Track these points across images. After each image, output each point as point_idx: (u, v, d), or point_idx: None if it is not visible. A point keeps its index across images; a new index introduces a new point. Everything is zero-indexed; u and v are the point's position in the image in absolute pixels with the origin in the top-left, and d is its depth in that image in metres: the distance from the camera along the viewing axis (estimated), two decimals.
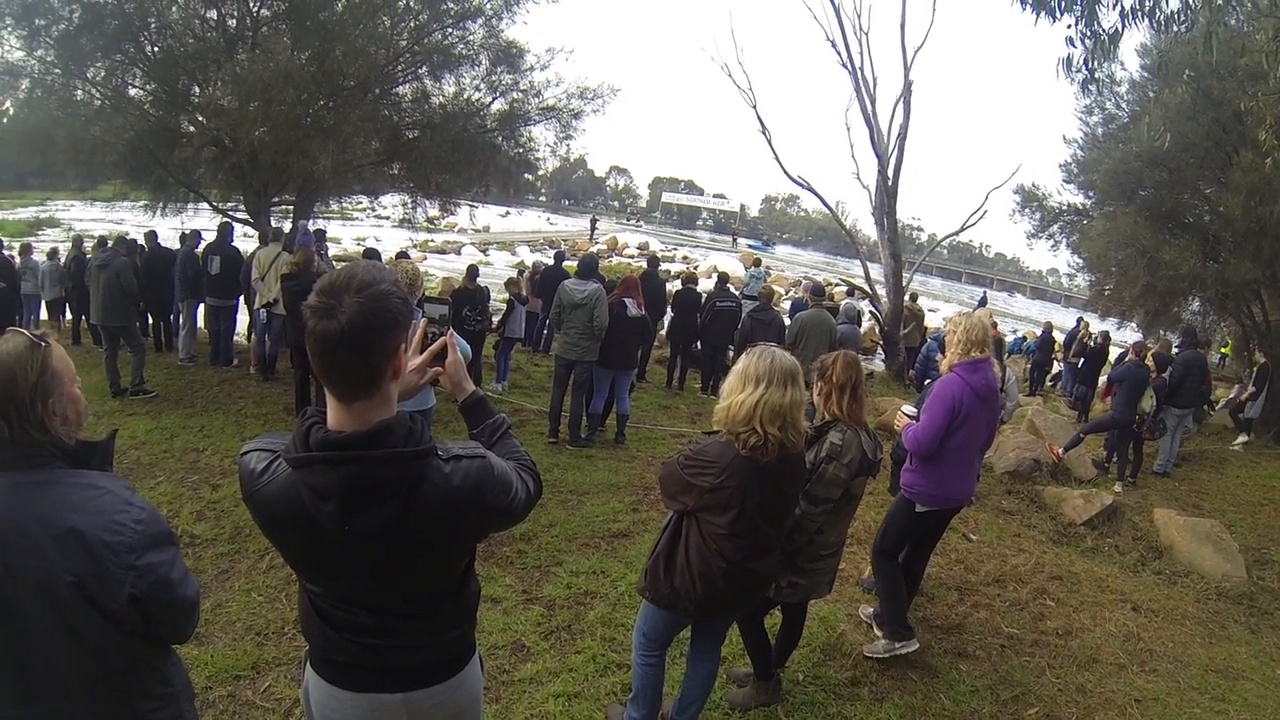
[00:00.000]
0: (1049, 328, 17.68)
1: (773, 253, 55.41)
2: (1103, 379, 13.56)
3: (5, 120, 11.48)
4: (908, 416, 4.33)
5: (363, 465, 1.49)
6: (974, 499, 7.23)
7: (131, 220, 16.89)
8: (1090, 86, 6.19)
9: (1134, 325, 16.96)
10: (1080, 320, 16.69)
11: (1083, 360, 14.12)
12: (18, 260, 12.25)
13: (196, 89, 10.72)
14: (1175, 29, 5.55)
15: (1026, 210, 16.16)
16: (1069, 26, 5.45)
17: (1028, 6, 5.58)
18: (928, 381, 6.92)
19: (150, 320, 11.02)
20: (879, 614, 4.47)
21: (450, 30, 11.41)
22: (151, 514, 1.74)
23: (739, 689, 3.79)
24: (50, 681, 1.69)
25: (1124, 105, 14.73)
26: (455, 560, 1.75)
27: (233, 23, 10.74)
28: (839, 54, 12.70)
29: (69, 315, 12.05)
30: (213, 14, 10.70)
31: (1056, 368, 17.38)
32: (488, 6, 11.46)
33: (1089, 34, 5.43)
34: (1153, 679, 4.56)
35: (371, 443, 1.50)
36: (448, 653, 1.79)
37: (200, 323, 10.56)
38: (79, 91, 10.56)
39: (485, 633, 4.09)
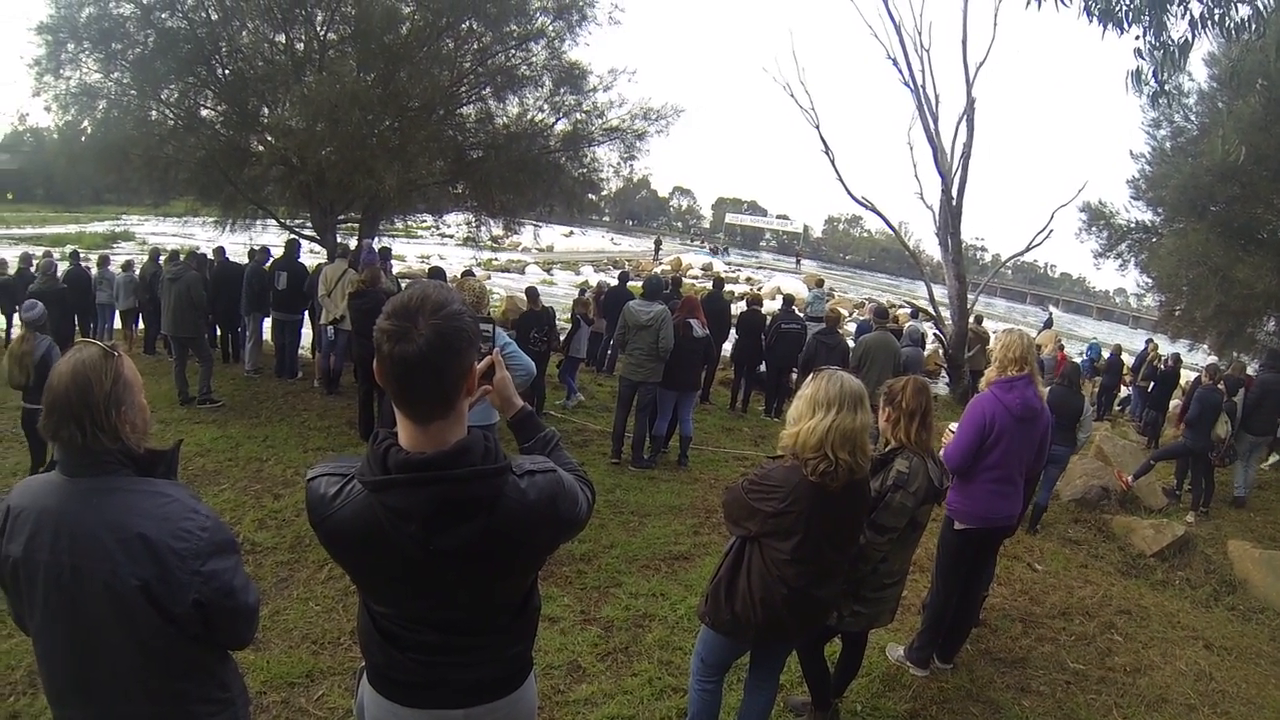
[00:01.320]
0: (1117, 350, 17.16)
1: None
2: (1174, 403, 13.10)
3: (84, 139, 11.94)
4: (952, 433, 4.25)
5: (446, 485, 1.50)
6: (1038, 529, 7.08)
7: (201, 235, 17.48)
8: (1160, 100, 6.03)
9: (1206, 347, 16.37)
10: (1149, 342, 16.14)
11: (1152, 384, 13.65)
12: (94, 271, 12.76)
13: (265, 110, 11.06)
14: (1245, 37, 5.37)
15: (1093, 228, 15.74)
16: (1137, 38, 5.31)
17: (1094, 18, 5.44)
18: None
19: (219, 332, 11.39)
20: (909, 650, 4.40)
21: (513, 52, 11.56)
22: (216, 522, 1.80)
23: (796, 717, 3.73)
24: (112, 683, 1.74)
25: (1193, 118, 14.31)
26: (527, 575, 1.77)
27: (300, 46, 11.05)
28: (900, 72, 12.58)
29: (141, 325, 12.46)
30: (281, 38, 11.05)
31: (1125, 391, 16.85)
32: (550, 28, 11.58)
33: (1158, 45, 5.28)
34: None
35: (453, 462, 1.51)
36: (510, 668, 1.79)
37: (266, 336, 10.87)
38: (153, 112, 10.95)
39: (541, 652, 4.09)
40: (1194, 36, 5.18)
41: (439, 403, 1.51)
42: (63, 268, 12.24)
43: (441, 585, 1.60)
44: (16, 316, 6.56)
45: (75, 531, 1.67)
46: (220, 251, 11.46)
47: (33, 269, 12.19)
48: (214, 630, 1.79)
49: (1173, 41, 5.21)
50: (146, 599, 1.67)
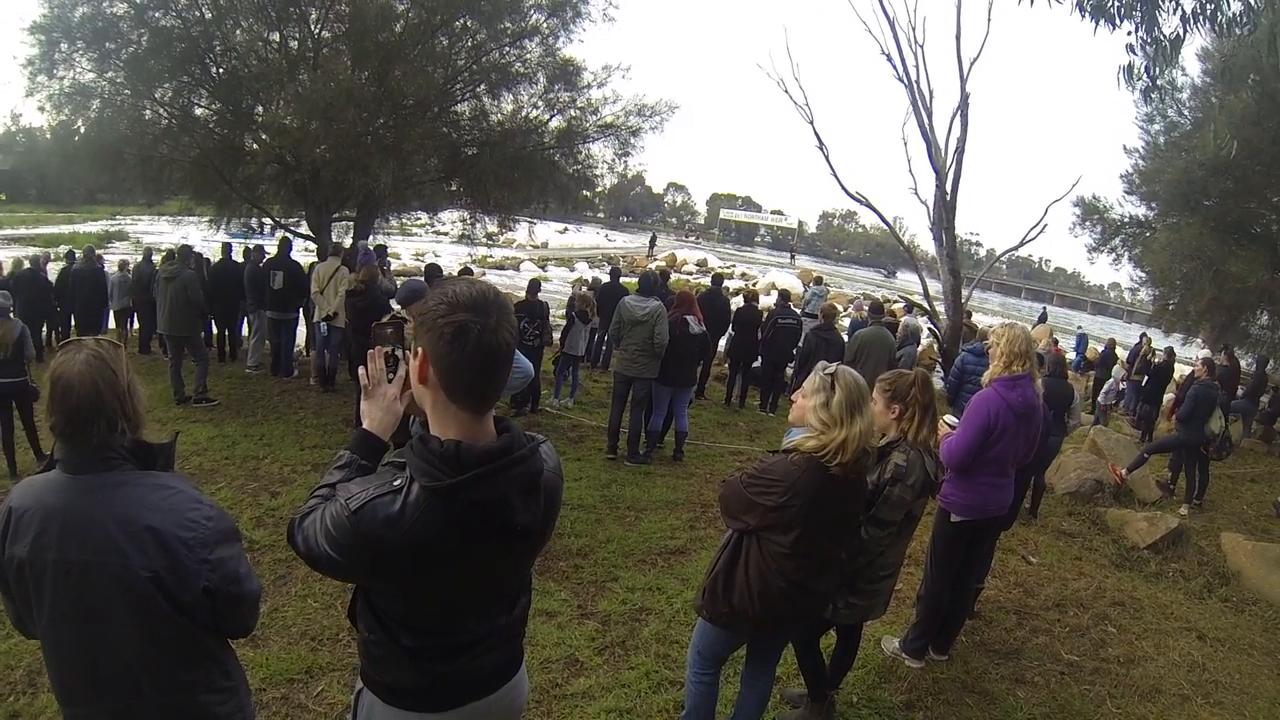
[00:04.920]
0: (1111, 344, 17.20)
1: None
2: (1168, 397, 13.13)
3: (78, 138, 11.87)
4: (948, 426, 4.26)
5: (524, 464, 1.56)
6: (1038, 514, 7.13)
7: (196, 235, 17.42)
8: (1152, 95, 6.04)
9: (1200, 341, 16.42)
10: (1143, 336, 16.20)
11: (1146, 377, 13.71)
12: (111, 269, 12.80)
13: (260, 108, 11.00)
14: (1237, 32, 5.39)
15: (1087, 223, 15.76)
16: (1129, 34, 5.32)
17: (1086, 14, 5.45)
18: (963, 394, 6.82)
19: (215, 330, 11.41)
20: (904, 642, 4.44)
21: (508, 49, 11.52)
22: (219, 511, 1.83)
23: (792, 710, 3.76)
24: (123, 677, 1.75)
25: (1186, 112, 14.34)
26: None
27: (294, 44, 11.01)
28: (894, 68, 12.50)
29: (136, 324, 12.46)
30: (275, 36, 10.98)
31: (1120, 385, 16.90)
32: (544, 25, 11.54)
33: (1149, 40, 5.29)
34: (1218, 712, 4.38)
35: (520, 443, 1.58)
36: (519, 644, 1.86)
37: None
38: (147, 111, 10.89)
39: (539, 646, 4.12)
40: (1186, 32, 5.19)
41: (500, 392, 1.58)
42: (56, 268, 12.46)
43: (504, 566, 1.68)
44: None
45: (83, 527, 1.68)
46: (226, 248, 11.42)
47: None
48: (220, 618, 1.82)
49: (1165, 36, 5.22)
50: (158, 589, 1.69)
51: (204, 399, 8.68)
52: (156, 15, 10.12)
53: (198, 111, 11.42)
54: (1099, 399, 14.15)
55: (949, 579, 4.31)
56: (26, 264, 12.34)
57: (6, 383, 6.50)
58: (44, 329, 11.41)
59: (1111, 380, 14.22)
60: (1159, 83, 5.79)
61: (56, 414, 1.72)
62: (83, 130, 11.48)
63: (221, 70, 10.84)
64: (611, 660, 4.13)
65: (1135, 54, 5.33)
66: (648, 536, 5.92)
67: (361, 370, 1.79)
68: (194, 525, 1.75)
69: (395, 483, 1.51)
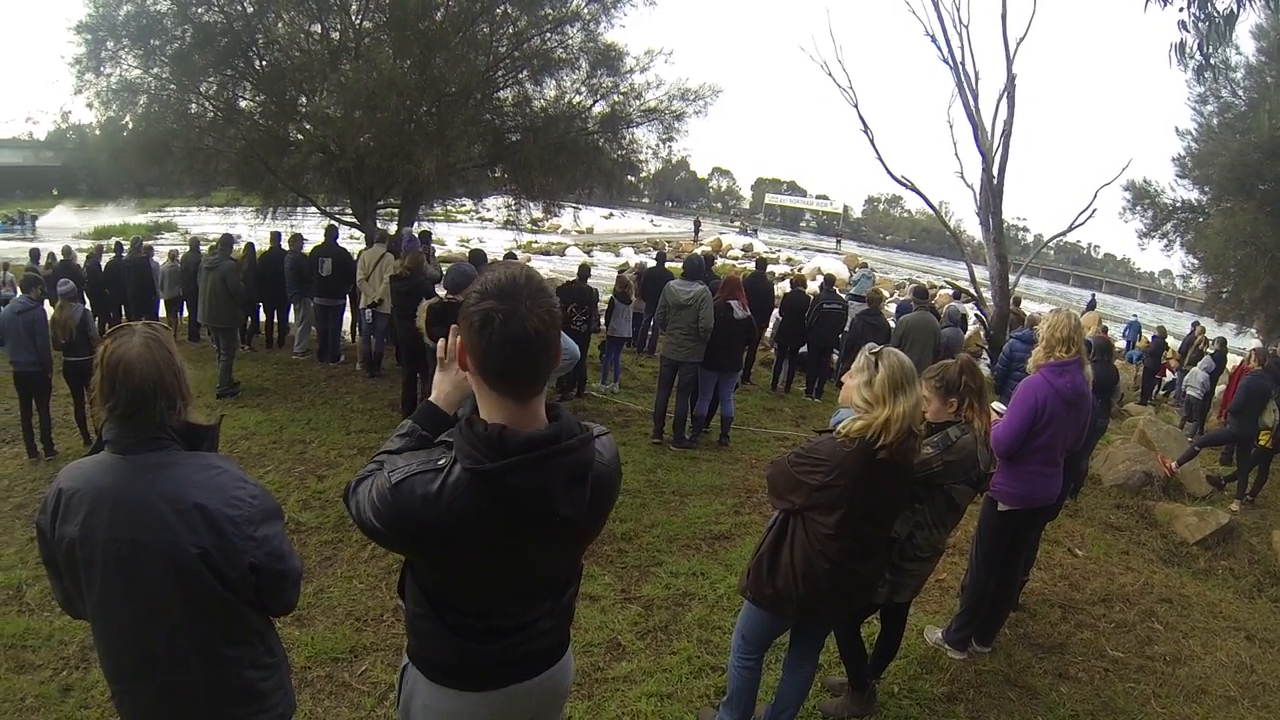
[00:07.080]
0: (1161, 332, 16.80)
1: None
2: (1219, 388, 12.75)
3: (126, 134, 12.09)
4: (996, 413, 4.18)
5: (571, 455, 1.55)
6: (1080, 494, 6.97)
7: (242, 224, 17.71)
8: (1205, 74, 5.86)
9: (1254, 330, 15.99)
10: (1196, 325, 15.80)
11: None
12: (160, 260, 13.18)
13: (303, 99, 11.14)
14: None
15: (1138, 208, 15.41)
16: (1180, 10, 5.18)
17: None
18: (1011, 380, 6.70)
19: (263, 318, 11.71)
20: (947, 633, 4.40)
21: (549, 35, 11.49)
22: (263, 490, 1.89)
23: (833, 698, 3.75)
24: (170, 653, 1.80)
25: (1240, 92, 13.94)
26: (599, 532, 1.85)
27: (336, 35, 11.12)
28: (939, 49, 12.26)
29: (186, 313, 12.77)
30: (317, 28, 11.12)
31: (1170, 375, 16.48)
32: (585, 11, 11.50)
33: (1202, 17, 5.15)
34: (1265, 715, 4.26)
35: (569, 432, 1.56)
36: (565, 630, 1.86)
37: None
38: (193, 105, 11.09)
39: (582, 629, 4.16)
40: (1239, 8, 5.05)
41: (542, 379, 1.56)
42: (106, 258, 13.17)
43: (548, 554, 1.67)
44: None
45: (133, 506, 1.73)
46: (275, 236, 11.67)
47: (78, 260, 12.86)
48: (264, 595, 1.87)
49: (1217, 13, 5.09)
50: (206, 566, 1.74)
51: (229, 393, 8.75)
52: (199, 11, 10.28)
53: (242, 104, 11.59)
54: (1186, 389, 13.30)
55: (994, 569, 4.26)
56: (76, 256, 12.85)
57: (75, 361, 7.08)
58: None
59: (1203, 374, 13.58)
60: (1212, 61, 5.63)
61: (117, 395, 1.76)
62: (130, 126, 11.66)
63: (264, 63, 10.98)
64: (653, 645, 4.16)
65: (1187, 31, 5.20)
66: (692, 521, 5.94)
67: (441, 343, 1.80)
68: (240, 503, 1.80)
69: (439, 462, 1.52)
